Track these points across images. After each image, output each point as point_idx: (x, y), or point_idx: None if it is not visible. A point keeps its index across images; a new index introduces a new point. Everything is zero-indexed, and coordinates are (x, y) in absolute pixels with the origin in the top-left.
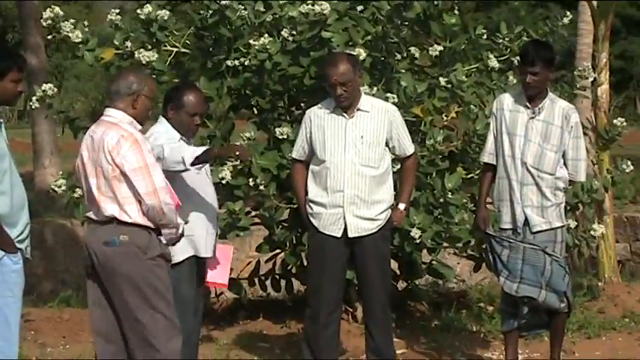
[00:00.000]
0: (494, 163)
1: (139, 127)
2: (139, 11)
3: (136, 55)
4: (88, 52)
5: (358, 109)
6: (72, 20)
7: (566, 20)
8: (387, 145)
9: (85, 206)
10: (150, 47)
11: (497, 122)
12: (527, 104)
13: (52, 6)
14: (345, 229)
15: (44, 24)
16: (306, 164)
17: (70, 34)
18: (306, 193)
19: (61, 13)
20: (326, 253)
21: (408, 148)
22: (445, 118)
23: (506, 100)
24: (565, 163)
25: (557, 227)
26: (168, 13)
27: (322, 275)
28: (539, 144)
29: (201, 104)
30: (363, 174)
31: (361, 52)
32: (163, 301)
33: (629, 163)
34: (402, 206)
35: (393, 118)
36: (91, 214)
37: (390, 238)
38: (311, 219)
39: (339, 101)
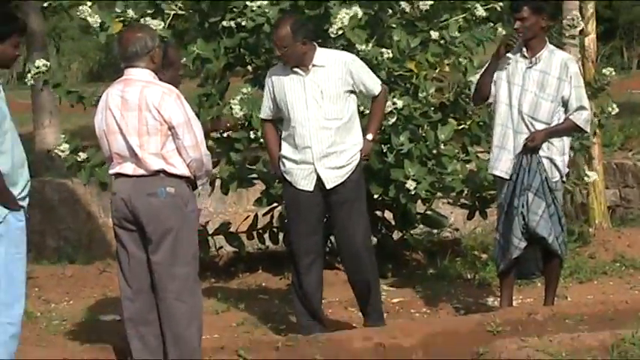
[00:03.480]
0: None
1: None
2: None
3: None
4: (101, 31)
5: (313, 65)
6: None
7: None
8: (353, 92)
9: (109, 165)
10: (152, 13)
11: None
12: (525, 54)
13: None
14: (317, 183)
15: None
16: (274, 123)
17: (89, 18)
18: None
19: None
20: (300, 205)
21: (375, 88)
22: (437, 71)
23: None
24: (569, 115)
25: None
26: None
27: (299, 225)
28: (536, 93)
29: (180, 57)
30: (327, 127)
31: (358, 11)
32: (195, 256)
33: (614, 105)
34: (369, 137)
35: (351, 66)
36: (125, 170)
37: (362, 180)
38: (284, 175)
39: (282, 60)
